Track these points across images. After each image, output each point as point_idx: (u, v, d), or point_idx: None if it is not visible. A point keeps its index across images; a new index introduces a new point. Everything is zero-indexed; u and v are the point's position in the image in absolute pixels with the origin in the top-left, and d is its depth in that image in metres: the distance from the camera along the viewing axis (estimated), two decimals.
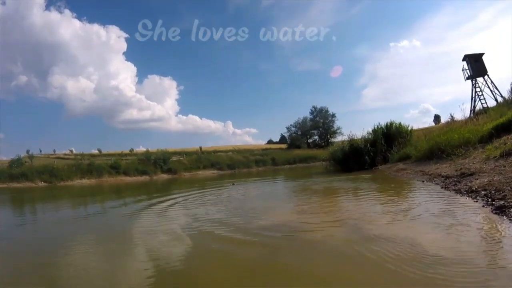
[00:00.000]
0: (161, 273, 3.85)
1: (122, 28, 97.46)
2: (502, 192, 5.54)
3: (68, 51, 77.85)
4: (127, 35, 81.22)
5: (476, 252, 3.42)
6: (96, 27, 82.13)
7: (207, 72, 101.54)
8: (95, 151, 44.54)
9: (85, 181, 29.66)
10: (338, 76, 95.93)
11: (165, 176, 34.01)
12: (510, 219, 4.34)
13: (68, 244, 5.86)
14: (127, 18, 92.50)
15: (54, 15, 78.05)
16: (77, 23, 79.09)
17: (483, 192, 6.12)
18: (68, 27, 76.39)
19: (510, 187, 5.64)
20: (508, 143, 9.25)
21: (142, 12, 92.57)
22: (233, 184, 16.22)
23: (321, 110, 64.63)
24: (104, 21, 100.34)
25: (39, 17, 74.22)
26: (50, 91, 76.42)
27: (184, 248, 4.97)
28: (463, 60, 26.52)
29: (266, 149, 55.55)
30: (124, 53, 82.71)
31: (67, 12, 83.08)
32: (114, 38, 79.54)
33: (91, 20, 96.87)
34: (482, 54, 25.94)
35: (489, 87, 24.89)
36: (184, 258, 4.47)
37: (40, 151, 41.35)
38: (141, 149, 46.24)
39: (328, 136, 62.12)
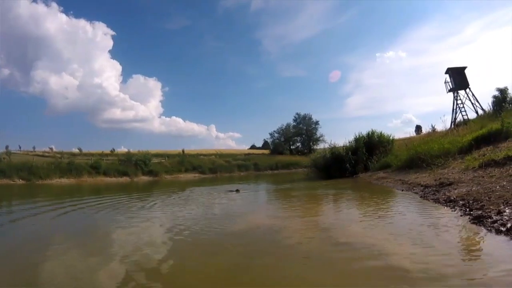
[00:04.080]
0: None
1: (109, 25, 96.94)
2: (480, 202, 5.38)
3: (53, 45, 76.29)
4: (114, 33, 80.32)
5: (449, 266, 3.16)
6: (82, 23, 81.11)
7: (192, 74, 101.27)
8: (76, 150, 43.35)
9: (64, 181, 28.51)
10: (335, 81, 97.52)
11: (145, 178, 33.17)
12: (487, 229, 4.16)
13: None
14: (115, 16, 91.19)
15: (41, 7, 76.71)
16: (63, 17, 77.92)
17: (461, 202, 5.95)
18: (54, 21, 75.06)
19: (488, 198, 5.49)
20: (487, 155, 9.23)
21: (131, 11, 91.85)
22: (237, 191, 13.33)
23: (304, 117, 64.87)
24: (91, 17, 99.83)
25: (25, 9, 72.67)
26: (33, 86, 74.40)
27: None
28: (446, 73, 26.87)
29: (249, 154, 55.24)
30: (109, 51, 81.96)
31: (54, 5, 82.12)
32: (100, 35, 78.40)
33: (77, 15, 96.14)
34: (464, 68, 26.36)
35: (470, 100, 25.25)
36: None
37: (20, 147, 39.96)
38: (123, 149, 45.32)
39: (311, 143, 62.26)
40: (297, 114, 65.47)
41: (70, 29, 78.25)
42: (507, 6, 66.11)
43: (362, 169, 18.74)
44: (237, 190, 13.47)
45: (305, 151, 58.34)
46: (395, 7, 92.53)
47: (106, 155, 40.49)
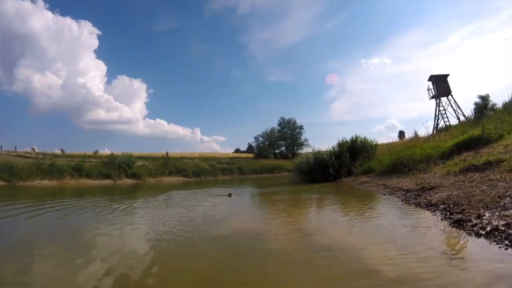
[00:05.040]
0: None
1: (95, 24, 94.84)
2: (461, 206, 5.36)
3: (38, 43, 74.04)
4: (99, 32, 78.93)
5: (428, 269, 3.11)
6: (68, 21, 78.85)
7: (178, 77, 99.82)
8: (58, 151, 42.12)
9: (46, 182, 27.55)
10: (333, 83, 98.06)
11: (129, 181, 32.51)
12: (467, 232, 4.13)
13: None
14: (101, 15, 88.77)
15: (27, 4, 74.59)
16: (49, 14, 75.92)
17: (442, 206, 5.93)
18: (39, 18, 73.03)
19: (469, 202, 5.47)
20: (468, 160, 9.31)
21: (117, 11, 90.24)
22: (230, 195, 12.71)
23: (289, 121, 64.79)
24: (77, 16, 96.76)
25: (11, 5, 70.55)
26: (16, 84, 71.88)
27: None
28: (429, 80, 27.43)
29: (233, 157, 55.07)
30: (95, 51, 79.88)
31: (40, 2, 79.98)
32: (86, 33, 76.64)
33: (63, 13, 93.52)
34: (447, 75, 26.99)
35: (452, 107, 25.83)
36: None
37: (1, 147, 38.83)
38: (106, 151, 44.37)
39: (295, 148, 62.22)
40: (281, 118, 65.34)
41: (56, 27, 76.39)
42: (490, 15, 68.64)
43: (345, 173, 18.69)
44: (229, 195, 12.85)
45: (289, 155, 58.11)
46: (381, 14, 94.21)
47: (89, 157, 39.49)
